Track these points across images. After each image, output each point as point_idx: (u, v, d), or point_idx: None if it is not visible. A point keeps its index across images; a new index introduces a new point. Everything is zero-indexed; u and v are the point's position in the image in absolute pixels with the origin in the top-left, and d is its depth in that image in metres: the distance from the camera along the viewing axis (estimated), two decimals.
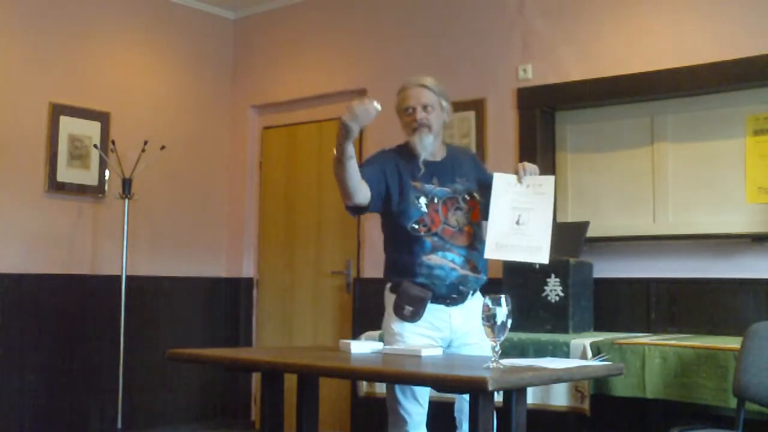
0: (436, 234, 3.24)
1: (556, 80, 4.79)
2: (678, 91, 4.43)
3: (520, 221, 3.18)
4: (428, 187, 3.29)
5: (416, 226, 3.25)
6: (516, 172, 3.26)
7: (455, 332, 3.26)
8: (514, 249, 3.18)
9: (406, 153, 3.34)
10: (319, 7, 6.00)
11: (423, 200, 3.26)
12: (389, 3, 5.62)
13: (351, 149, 3.08)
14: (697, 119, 4.47)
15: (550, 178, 3.27)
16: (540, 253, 3.17)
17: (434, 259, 3.22)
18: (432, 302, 3.23)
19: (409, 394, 3.21)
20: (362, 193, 3.20)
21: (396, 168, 3.30)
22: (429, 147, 3.29)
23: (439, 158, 3.36)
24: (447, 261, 3.22)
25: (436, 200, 3.28)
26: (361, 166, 3.24)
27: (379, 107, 3.00)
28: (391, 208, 3.29)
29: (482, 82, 5.07)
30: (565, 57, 4.78)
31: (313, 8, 6.04)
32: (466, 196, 3.32)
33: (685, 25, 4.43)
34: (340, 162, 3.09)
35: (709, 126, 4.43)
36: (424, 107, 3.28)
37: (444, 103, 3.35)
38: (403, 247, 3.28)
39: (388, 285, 3.33)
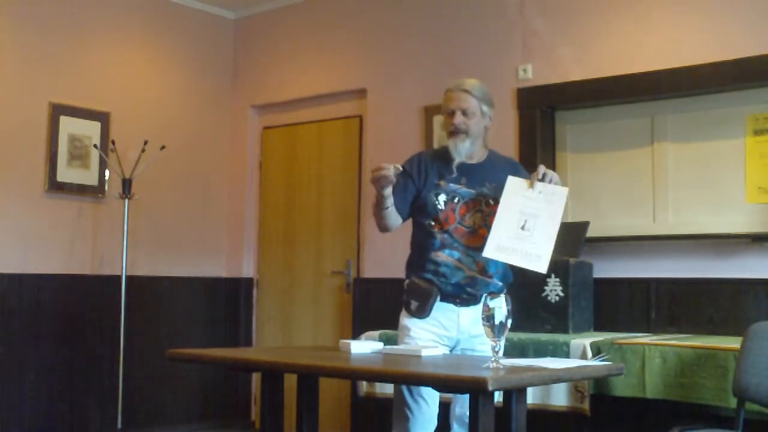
0: (447, 231, 3.26)
1: (556, 80, 4.79)
2: (678, 91, 4.43)
3: (525, 227, 3.16)
4: (452, 186, 3.30)
5: (432, 223, 3.29)
6: (531, 177, 3.23)
7: (463, 333, 3.27)
8: (515, 253, 3.15)
9: (442, 154, 3.38)
10: (319, 7, 6.00)
11: (442, 198, 3.29)
12: (389, 3, 5.62)
13: (390, 200, 3.25)
14: (697, 119, 4.47)
15: (563, 191, 3.21)
16: (540, 262, 3.14)
17: (441, 255, 3.25)
18: (441, 300, 3.24)
19: (415, 392, 3.22)
20: (396, 224, 3.36)
21: (425, 170, 3.35)
22: (463, 152, 3.31)
23: (475, 161, 3.36)
24: (453, 259, 3.24)
25: (457, 199, 3.29)
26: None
27: (399, 168, 3.18)
28: (414, 204, 3.35)
29: (482, 82, 5.05)
30: (565, 57, 4.78)
31: (313, 8, 6.04)
32: (491, 201, 3.30)
33: (685, 25, 4.43)
34: (379, 209, 3.27)
35: (709, 126, 4.43)
36: (464, 112, 3.29)
37: (485, 108, 3.34)
38: (418, 242, 3.35)
39: (406, 281, 3.37)
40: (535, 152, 4.77)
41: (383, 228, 3.37)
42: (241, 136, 6.41)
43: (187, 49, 6.23)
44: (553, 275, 4.21)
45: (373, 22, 5.70)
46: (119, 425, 5.31)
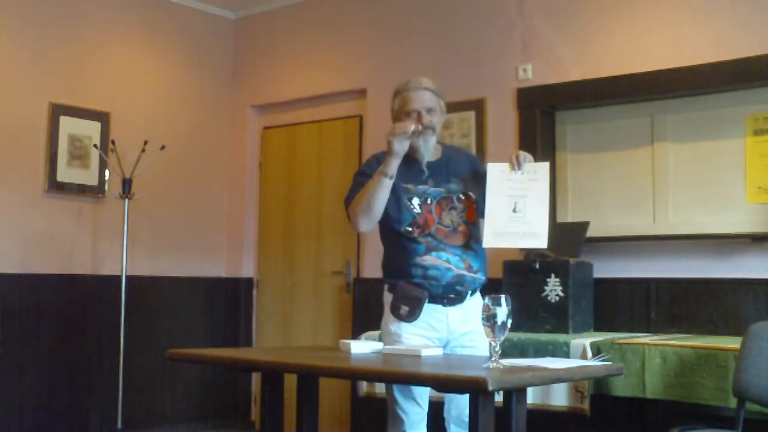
0: (429, 234, 3.23)
1: (556, 80, 4.79)
2: (678, 91, 4.43)
3: (516, 209, 3.19)
4: (421, 187, 3.28)
5: (410, 228, 3.24)
6: (510, 161, 3.26)
7: (452, 333, 3.26)
8: (512, 236, 3.18)
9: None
10: (319, 7, 6.00)
11: (416, 201, 3.25)
12: (389, 3, 5.62)
13: (395, 169, 3.16)
14: (697, 119, 4.47)
15: (545, 165, 3.27)
16: (538, 238, 3.17)
17: (428, 259, 3.21)
18: (429, 302, 3.22)
19: (408, 394, 3.20)
20: (378, 217, 3.23)
21: None
22: (432, 150, 3.31)
23: (433, 158, 3.35)
24: (442, 261, 3.21)
25: (429, 200, 3.27)
26: (357, 177, 3.32)
27: (420, 127, 3.17)
28: (385, 212, 3.26)
29: (482, 82, 5.07)
30: (565, 57, 4.78)
31: (313, 8, 6.04)
32: (461, 196, 3.31)
33: (685, 25, 4.42)
34: (385, 178, 3.14)
35: (709, 126, 4.42)
36: (428, 111, 3.27)
37: (442, 104, 3.36)
38: (397, 248, 3.27)
39: (386, 286, 3.33)
40: (535, 152, 4.73)
41: (372, 215, 3.18)
42: (241, 136, 6.41)
43: (187, 49, 6.23)
44: (553, 275, 4.21)
45: (372, 22, 5.70)
46: (119, 425, 5.31)
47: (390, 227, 3.27)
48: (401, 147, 3.13)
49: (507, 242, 3.21)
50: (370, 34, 5.71)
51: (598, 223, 4.59)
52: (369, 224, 3.24)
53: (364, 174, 3.30)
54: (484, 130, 5.04)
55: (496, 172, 3.24)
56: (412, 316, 3.21)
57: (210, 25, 6.38)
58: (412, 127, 3.13)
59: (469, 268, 3.25)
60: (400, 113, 3.31)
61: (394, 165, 3.15)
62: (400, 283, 3.24)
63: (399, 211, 3.23)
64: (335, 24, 5.91)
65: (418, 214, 3.24)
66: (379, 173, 3.16)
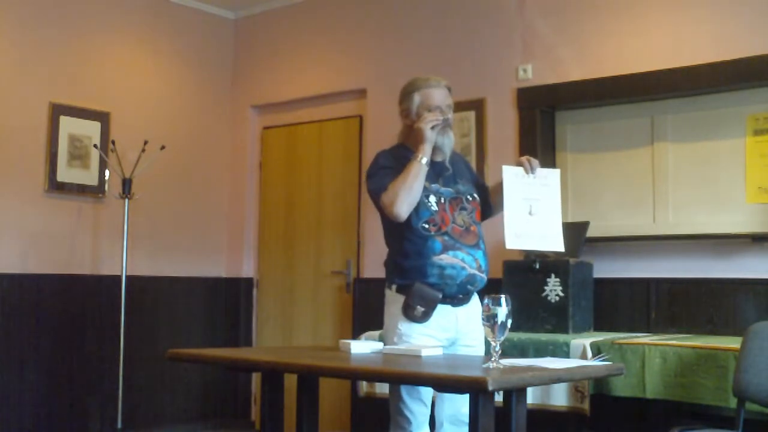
0: (446, 233, 3.24)
1: (556, 80, 4.79)
2: (678, 91, 4.43)
3: (532, 211, 3.26)
4: (435, 186, 3.29)
5: (426, 226, 3.23)
6: (520, 165, 3.30)
7: (459, 332, 3.27)
8: (533, 238, 3.26)
9: (405, 154, 3.35)
10: (319, 7, 6.00)
11: (433, 199, 3.26)
12: (389, 3, 5.62)
13: (429, 154, 3.25)
14: (697, 119, 4.47)
15: (556, 171, 3.36)
16: (556, 242, 3.27)
17: (446, 258, 3.21)
18: (440, 303, 3.23)
19: (415, 394, 3.19)
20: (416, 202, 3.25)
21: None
22: (452, 147, 3.35)
23: (439, 159, 3.36)
24: (458, 260, 3.21)
25: (443, 200, 3.29)
26: (381, 170, 3.31)
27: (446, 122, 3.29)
28: None
29: (482, 82, 5.07)
30: (565, 57, 4.78)
31: (313, 8, 6.04)
32: (469, 197, 3.35)
33: (685, 25, 4.43)
34: (422, 163, 3.20)
35: (709, 126, 4.43)
36: (448, 108, 3.33)
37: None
38: (412, 247, 3.24)
39: (394, 286, 3.29)
40: (536, 152, 4.76)
41: (413, 199, 3.18)
42: (241, 136, 6.41)
43: (187, 49, 6.23)
44: (553, 275, 4.21)
45: (373, 22, 5.70)
46: (119, 425, 5.31)
47: (406, 222, 3.24)
48: (432, 134, 3.22)
49: (528, 244, 3.30)
50: (370, 34, 5.71)
51: (598, 223, 4.59)
52: (410, 209, 3.21)
53: (385, 167, 3.31)
54: (484, 130, 5.05)
55: (510, 175, 3.28)
56: (426, 317, 3.21)
57: (210, 25, 6.38)
58: (441, 118, 3.24)
59: (479, 268, 3.27)
60: (422, 109, 3.32)
61: (428, 150, 3.22)
62: (416, 284, 3.21)
63: (417, 207, 3.23)
64: (335, 24, 5.91)
65: (435, 211, 3.25)
66: (414, 160, 3.21)
